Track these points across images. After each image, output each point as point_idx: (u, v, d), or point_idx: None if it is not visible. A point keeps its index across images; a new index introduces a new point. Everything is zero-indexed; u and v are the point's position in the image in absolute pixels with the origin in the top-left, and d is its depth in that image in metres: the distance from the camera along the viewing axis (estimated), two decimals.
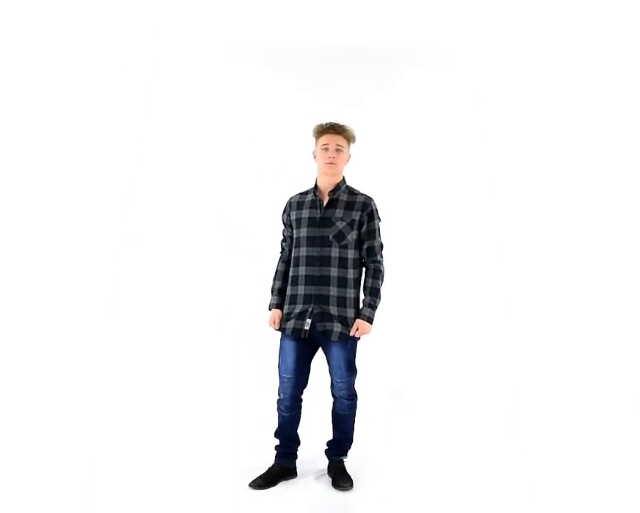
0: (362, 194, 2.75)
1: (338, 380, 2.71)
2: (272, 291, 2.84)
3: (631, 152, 4.54)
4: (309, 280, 2.64)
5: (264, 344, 3.29)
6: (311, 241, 2.66)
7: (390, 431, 3.50)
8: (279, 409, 2.79)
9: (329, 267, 2.63)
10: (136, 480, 2.79)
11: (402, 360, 4.38)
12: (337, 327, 2.63)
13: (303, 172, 4.42)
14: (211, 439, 3.31)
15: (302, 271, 2.66)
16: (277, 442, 2.85)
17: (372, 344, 4.25)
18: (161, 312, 4.49)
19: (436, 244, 4.59)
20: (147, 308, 4.49)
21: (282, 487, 2.74)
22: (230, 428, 3.49)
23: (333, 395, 2.80)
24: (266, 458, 2.85)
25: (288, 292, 2.73)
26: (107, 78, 4.53)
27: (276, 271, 2.87)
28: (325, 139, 2.68)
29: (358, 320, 2.65)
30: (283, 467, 2.80)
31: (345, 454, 2.87)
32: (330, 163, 2.66)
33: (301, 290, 2.66)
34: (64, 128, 4.47)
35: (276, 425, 2.83)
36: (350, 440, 2.87)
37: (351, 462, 2.89)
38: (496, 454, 3.15)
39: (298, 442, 2.86)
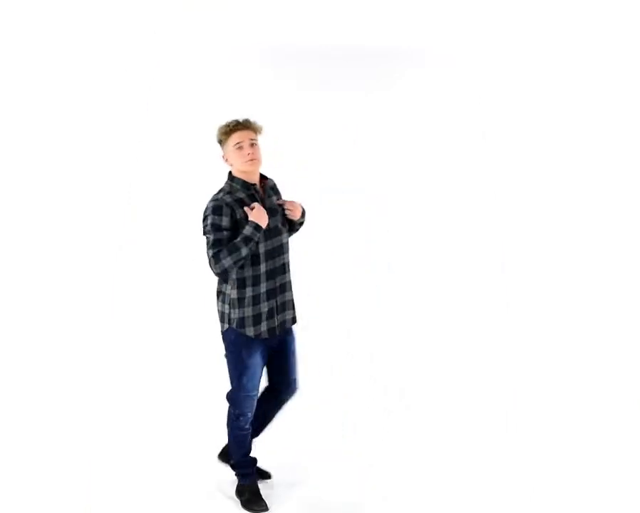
0: (269, 177, 2.65)
1: (295, 378, 2.67)
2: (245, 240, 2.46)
3: (631, 151, 4.54)
4: (271, 274, 2.54)
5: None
6: (267, 235, 2.51)
7: (390, 431, 3.49)
8: (241, 429, 2.64)
9: (283, 255, 2.59)
10: (136, 481, 2.79)
11: (402, 360, 4.37)
12: (292, 313, 2.65)
13: (303, 172, 4.43)
14: (208, 440, 3.31)
15: (263, 267, 2.53)
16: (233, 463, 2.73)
17: (372, 344, 4.26)
18: (160, 311, 4.48)
19: (436, 243, 4.59)
20: (146, 308, 4.48)
21: (282, 488, 2.74)
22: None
23: (281, 400, 2.71)
24: (266, 458, 2.85)
25: (249, 293, 2.53)
26: (107, 77, 4.54)
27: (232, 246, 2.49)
28: (237, 137, 2.47)
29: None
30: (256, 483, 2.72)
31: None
32: (251, 160, 2.47)
33: (263, 287, 2.54)
34: (64, 128, 4.47)
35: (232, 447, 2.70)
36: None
37: (350, 463, 2.88)
38: (496, 454, 3.15)
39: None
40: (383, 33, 4.44)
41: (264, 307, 2.54)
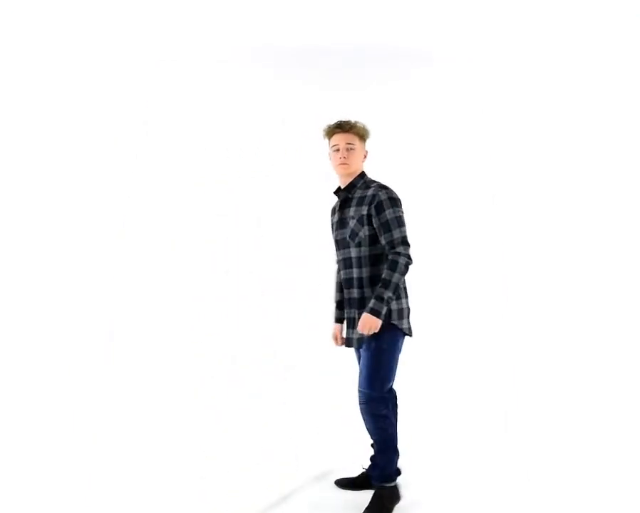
0: (374, 185, 2.52)
1: (360, 389, 2.53)
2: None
3: (635, 160, 4.52)
4: (345, 283, 2.60)
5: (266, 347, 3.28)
6: (337, 244, 2.62)
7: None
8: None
9: (351, 269, 2.54)
10: (142, 486, 2.80)
11: (403, 360, 4.37)
12: (358, 333, 2.50)
13: (305, 174, 4.42)
14: (223, 444, 3.32)
15: (341, 275, 2.66)
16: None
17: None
18: (159, 316, 4.49)
19: (440, 244, 4.59)
20: (145, 314, 4.48)
21: (283, 489, 2.75)
22: (239, 429, 3.50)
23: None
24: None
25: (345, 296, 2.64)
26: (106, 79, 4.52)
27: (336, 282, 2.82)
28: (334, 139, 2.56)
29: (363, 315, 2.42)
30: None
31: (379, 480, 2.57)
32: (342, 164, 2.53)
33: (346, 294, 2.59)
34: (62, 128, 4.46)
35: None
36: (386, 465, 2.57)
37: (350, 463, 2.88)
38: (496, 455, 3.16)
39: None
40: (386, 33, 4.41)
41: (346, 314, 2.60)
